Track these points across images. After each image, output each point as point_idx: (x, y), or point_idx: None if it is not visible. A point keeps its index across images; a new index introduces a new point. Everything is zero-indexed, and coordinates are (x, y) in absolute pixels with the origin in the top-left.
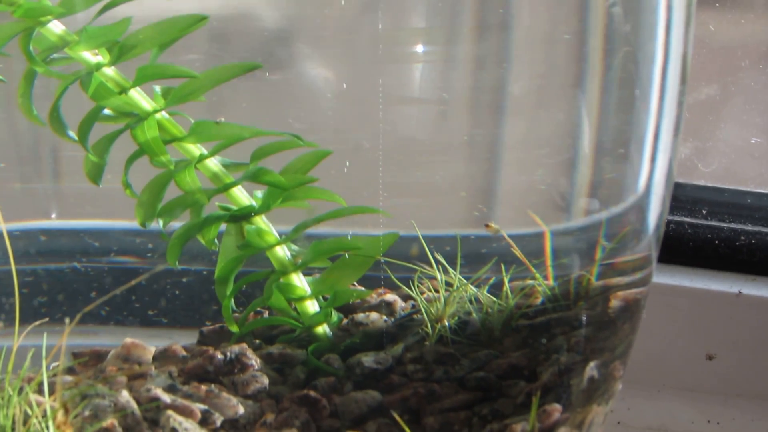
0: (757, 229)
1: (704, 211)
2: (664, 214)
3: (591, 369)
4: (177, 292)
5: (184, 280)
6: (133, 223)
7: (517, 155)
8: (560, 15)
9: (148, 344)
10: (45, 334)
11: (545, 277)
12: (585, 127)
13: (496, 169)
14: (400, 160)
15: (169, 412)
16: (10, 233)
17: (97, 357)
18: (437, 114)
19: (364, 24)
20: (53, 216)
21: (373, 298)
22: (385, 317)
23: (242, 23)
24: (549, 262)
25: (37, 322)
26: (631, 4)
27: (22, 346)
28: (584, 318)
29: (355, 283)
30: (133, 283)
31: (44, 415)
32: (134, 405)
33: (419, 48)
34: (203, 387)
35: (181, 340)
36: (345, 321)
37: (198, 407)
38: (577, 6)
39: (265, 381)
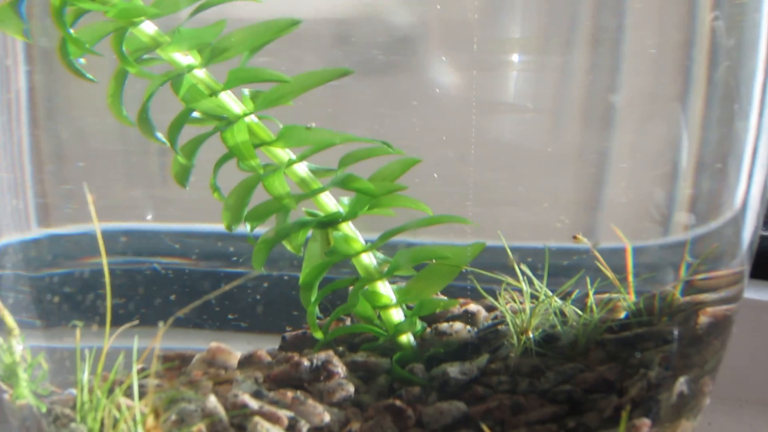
0: None
1: None
2: (758, 230)
3: (681, 384)
4: (258, 297)
5: (264, 284)
6: (219, 226)
7: (618, 168)
8: (665, 29)
9: (233, 349)
10: (136, 337)
11: (629, 292)
12: (684, 141)
13: (601, 181)
14: (490, 170)
15: (257, 418)
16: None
17: (183, 360)
18: (539, 123)
19: (473, 31)
20: (149, 217)
21: (457, 308)
22: (468, 327)
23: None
24: (630, 276)
25: (128, 325)
26: (734, 19)
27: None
28: (672, 333)
29: (439, 293)
30: (226, 288)
31: (134, 420)
32: (221, 410)
33: (526, 57)
34: (289, 394)
35: (263, 345)
36: (428, 330)
37: (285, 414)
38: (682, 20)
39: (351, 389)
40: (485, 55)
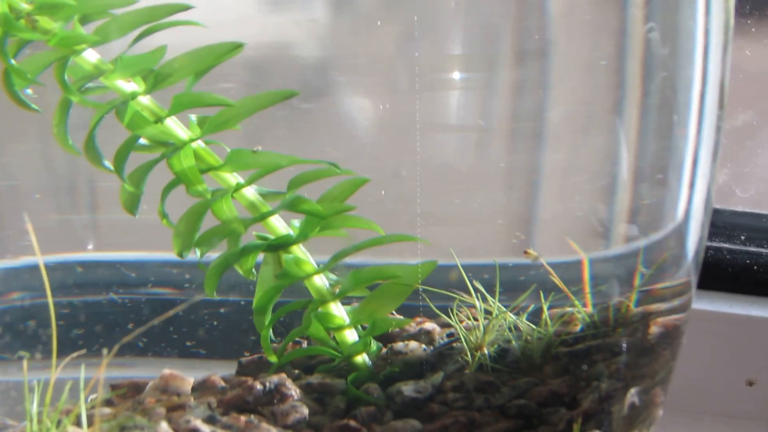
0: None
1: (742, 237)
2: (703, 240)
3: (632, 395)
4: (215, 323)
5: (221, 310)
6: (170, 254)
7: (555, 182)
8: (598, 41)
9: (186, 375)
10: (83, 366)
11: (584, 304)
12: (623, 153)
13: (535, 196)
14: (438, 188)
15: None
16: (46, 265)
17: (136, 389)
18: (476, 141)
19: (401, 51)
20: (90, 247)
21: (412, 326)
22: (424, 346)
23: (279, 52)
24: (587, 289)
25: (75, 354)
26: (668, 30)
27: (60, 379)
28: (624, 345)
29: (394, 312)
30: (170, 313)
31: None
32: None
33: (457, 75)
34: (243, 418)
35: (220, 371)
36: (384, 350)
37: None
38: (615, 32)
39: (305, 411)
40: (419, 74)
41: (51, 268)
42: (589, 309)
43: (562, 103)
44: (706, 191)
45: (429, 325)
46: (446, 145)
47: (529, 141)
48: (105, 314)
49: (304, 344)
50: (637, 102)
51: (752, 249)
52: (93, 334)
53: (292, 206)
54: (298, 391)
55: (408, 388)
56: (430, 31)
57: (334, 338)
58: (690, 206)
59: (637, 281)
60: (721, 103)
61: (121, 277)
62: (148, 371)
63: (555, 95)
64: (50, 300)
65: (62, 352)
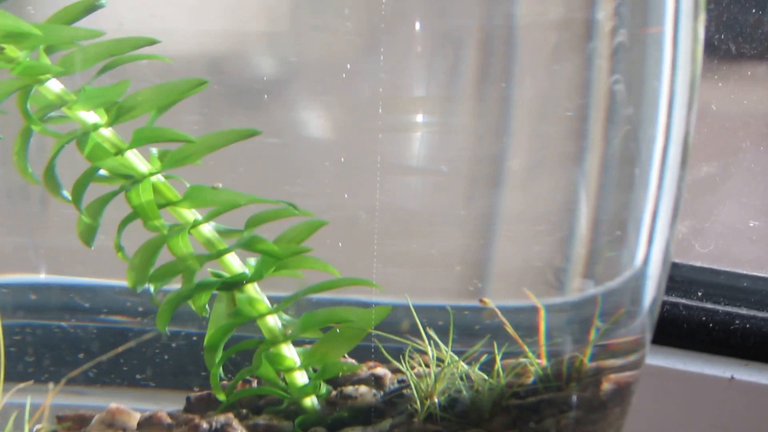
0: (752, 313)
1: (699, 293)
2: (659, 296)
3: None
4: (166, 357)
5: (173, 344)
6: (124, 283)
7: (513, 230)
8: (562, 90)
9: (133, 409)
10: (29, 397)
11: (538, 356)
12: (583, 204)
13: (492, 243)
14: (396, 231)
15: None
16: None
17: (82, 421)
18: (435, 186)
19: (362, 91)
20: (42, 273)
21: (364, 371)
22: (374, 391)
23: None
24: (542, 340)
25: (22, 384)
26: (634, 83)
27: (7, 405)
28: (575, 400)
29: (346, 356)
30: (120, 350)
31: None
32: None
33: (419, 118)
34: None
35: (169, 405)
36: (334, 393)
37: None
38: (579, 82)
39: None
40: (382, 114)
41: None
42: (544, 361)
43: (524, 151)
44: (664, 246)
45: (380, 371)
46: (406, 188)
47: (489, 188)
48: (56, 341)
49: (255, 384)
50: (599, 154)
51: (709, 306)
52: (42, 361)
53: (248, 245)
54: (244, 431)
55: None
56: (394, 72)
57: (284, 379)
58: (647, 261)
59: (592, 335)
60: (683, 158)
61: (74, 303)
62: (97, 401)
63: (517, 143)
64: None
65: (9, 379)
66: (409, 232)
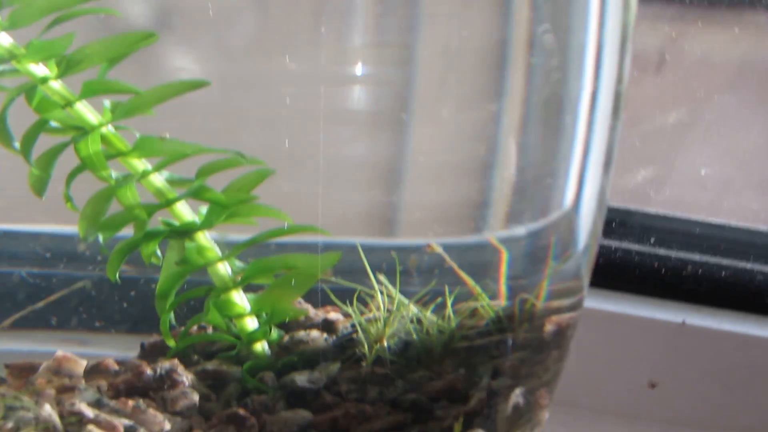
0: (704, 258)
1: (653, 239)
2: (593, 241)
3: (516, 396)
4: (125, 304)
5: (132, 293)
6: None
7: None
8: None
9: (80, 358)
10: None
11: (497, 297)
12: (506, 151)
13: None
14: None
15: (90, 426)
16: None
17: (30, 369)
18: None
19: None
20: None
21: (318, 315)
22: (326, 336)
23: None
24: (503, 282)
25: None
26: (559, 31)
27: None
28: (519, 342)
29: (301, 300)
30: (52, 298)
31: None
32: (56, 419)
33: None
34: (130, 402)
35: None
36: (286, 338)
37: (122, 423)
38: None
39: (195, 398)
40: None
41: None
42: (503, 302)
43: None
44: (597, 191)
45: (333, 315)
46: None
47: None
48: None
49: (209, 330)
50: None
51: (661, 252)
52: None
53: (197, 194)
54: (190, 377)
55: (302, 378)
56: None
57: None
58: (578, 205)
59: (546, 276)
60: (616, 106)
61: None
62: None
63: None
64: None
65: None
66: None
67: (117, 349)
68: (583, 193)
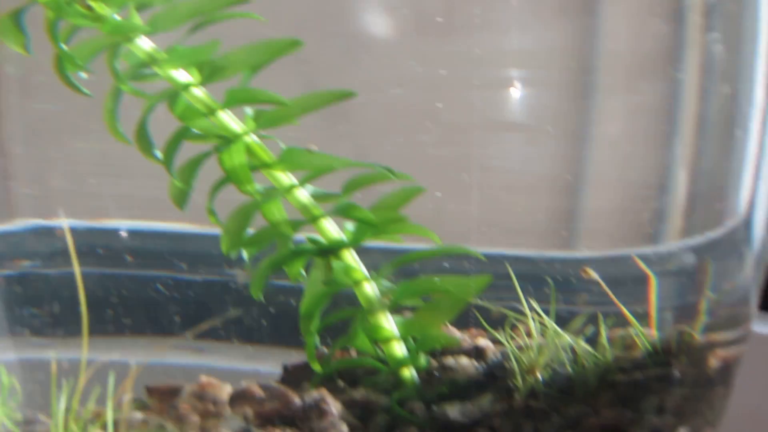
0: None
1: None
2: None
3: None
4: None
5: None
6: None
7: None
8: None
9: (224, 383)
10: (111, 376)
11: (648, 327)
12: (679, 163)
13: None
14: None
15: None
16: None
17: (172, 393)
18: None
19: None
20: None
21: (466, 341)
22: (475, 363)
23: None
24: (653, 311)
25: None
26: (731, 43)
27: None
28: (681, 377)
29: (448, 324)
30: (221, 318)
31: None
32: None
33: (514, 72)
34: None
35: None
36: (434, 363)
37: None
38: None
39: (344, 429)
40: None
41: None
42: (654, 332)
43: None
44: None
45: (482, 342)
46: (499, 146)
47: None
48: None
49: (353, 352)
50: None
51: None
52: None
53: (345, 213)
54: (338, 407)
55: (454, 411)
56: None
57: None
58: (751, 222)
59: (702, 305)
60: None
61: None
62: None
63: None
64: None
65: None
66: (506, 188)
67: (237, 360)
68: (755, 208)
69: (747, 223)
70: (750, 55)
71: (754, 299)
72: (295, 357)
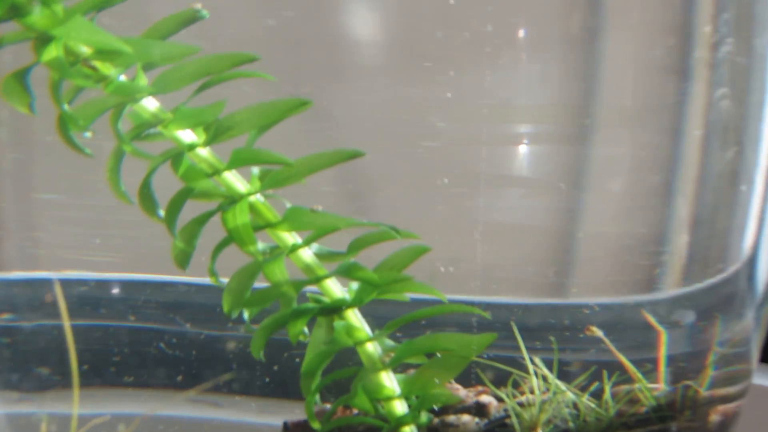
0: None
1: None
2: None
3: None
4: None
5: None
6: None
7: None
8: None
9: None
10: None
11: (656, 381)
12: (680, 216)
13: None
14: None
15: None
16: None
17: None
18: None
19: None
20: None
21: (469, 397)
22: (477, 420)
23: None
24: (662, 366)
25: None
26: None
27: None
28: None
29: (452, 381)
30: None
31: None
32: None
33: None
34: None
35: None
36: (436, 421)
37: None
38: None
39: None
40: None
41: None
42: (662, 386)
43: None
44: None
45: (485, 398)
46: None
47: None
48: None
49: (354, 410)
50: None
51: None
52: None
53: (348, 273)
54: None
55: None
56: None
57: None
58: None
59: (710, 360)
60: None
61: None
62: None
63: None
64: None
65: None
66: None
67: (244, 414)
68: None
69: (750, 274)
70: (757, 108)
71: (756, 352)
72: (298, 412)
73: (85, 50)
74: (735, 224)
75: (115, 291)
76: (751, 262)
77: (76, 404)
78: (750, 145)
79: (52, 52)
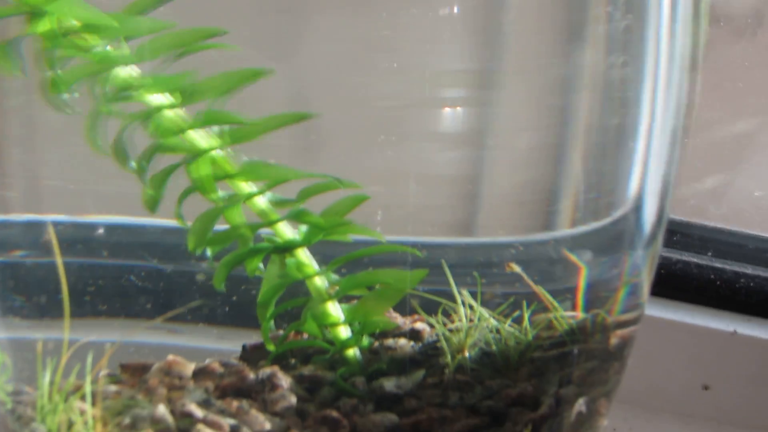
0: (756, 272)
1: (710, 252)
2: (655, 255)
3: (580, 404)
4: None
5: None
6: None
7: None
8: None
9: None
10: (91, 352)
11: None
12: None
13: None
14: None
15: (200, 426)
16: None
17: (143, 369)
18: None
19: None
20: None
21: (405, 324)
22: (412, 344)
23: None
24: (580, 296)
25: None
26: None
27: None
28: (587, 353)
29: (391, 310)
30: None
31: (86, 424)
32: (169, 418)
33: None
34: (235, 403)
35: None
36: (376, 344)
37: (228, 422)
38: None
39: (293, 400)
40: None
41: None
42: (579, 314)
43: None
44: (656, 209)
45: (419, 325)
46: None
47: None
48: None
49: (305, 336)
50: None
51: (717, 264)
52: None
53: (297, 217)
54: (288, 381)
55: (390, 384)
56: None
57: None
58: (640, 220)
59: (622, 292)
60: (677, 109)
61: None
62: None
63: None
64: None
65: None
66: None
67: (206, 341)
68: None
69: (638, 218)
70: (644, 68)
71: (647, 286)
72: (255, 338)
73: (75, 23)
74: (622, 174)
75: (100, 232)
76: (638, 208)
77: (66, 329)
78: (635, 104)
79: (46, 25)
